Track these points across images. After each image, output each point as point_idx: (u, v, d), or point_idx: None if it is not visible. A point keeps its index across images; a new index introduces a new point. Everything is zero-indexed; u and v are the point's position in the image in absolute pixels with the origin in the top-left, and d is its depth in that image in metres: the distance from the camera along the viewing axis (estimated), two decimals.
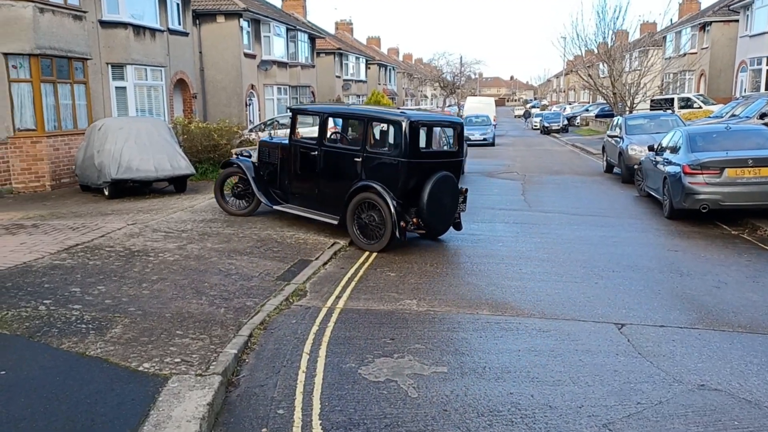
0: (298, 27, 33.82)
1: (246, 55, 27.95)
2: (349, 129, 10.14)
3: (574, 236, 10.08)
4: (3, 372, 4.31)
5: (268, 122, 23.05)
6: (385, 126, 9.35)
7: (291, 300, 6.54)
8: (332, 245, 8.92)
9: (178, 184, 14.13)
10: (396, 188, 8.28)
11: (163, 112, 20.40)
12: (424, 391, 4.52)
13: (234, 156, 10.82)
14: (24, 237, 8.55)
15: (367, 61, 49.74)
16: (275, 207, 9.80)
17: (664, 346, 5.47)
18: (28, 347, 4.79)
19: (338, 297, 6.69)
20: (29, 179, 15.04)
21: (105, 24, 18.08)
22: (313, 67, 37.00)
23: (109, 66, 18.30)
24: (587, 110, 50.55)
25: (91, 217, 10.45)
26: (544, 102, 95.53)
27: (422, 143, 9.04)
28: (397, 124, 8.48)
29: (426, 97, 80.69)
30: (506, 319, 6.10)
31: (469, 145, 23.73)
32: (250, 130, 21.47)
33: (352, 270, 7.79)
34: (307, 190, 9.45)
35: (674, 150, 12.02)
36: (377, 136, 9.66)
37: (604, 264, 8.32)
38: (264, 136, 12.21)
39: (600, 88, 31.52)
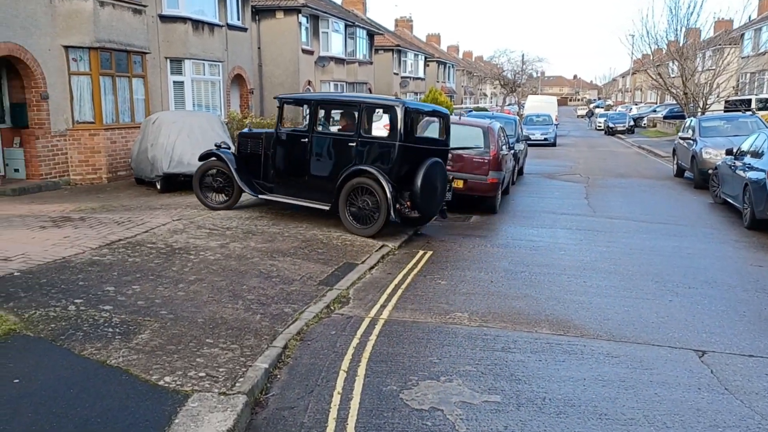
0: (357, 23, 33.53)
1: (304, 51, 27.83)
2: (342, 115, 10.16)
3: (644, 246, 9.26)
4: (17, 380, 4.00)
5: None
6: (380, 111, 9.49)
7: (332, 307, 6.08)
8: (380, 248, 8.44)
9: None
10: (391, 172, 8.45)
11: (220, 107, 20.42)
12: (474, 424, 3.96)
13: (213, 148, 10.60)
14: (69, 230, 8.42)
15: (425, 58, 49.09)
16: (260, 196, 9.73)
17: (756, 382, 4.72)
18: (49, 352, 4.49)
19: (383, 306, 6.19)
20: (86, 171, 15.19)
21: (164, 18, 18.17)
22: (371, 63, 36.67)
23: (168, 60, 18.39)
24: (655, 111, 48.38)
25: (140, 211, 10.30)
26: (609, 102, 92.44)
27: (416, 129, 9.20)
28: (392, 110, 8.66)
29: (485, 95, 79.35)
30: (569, 341, 5.46)
31: (530, 145, 22.86)
32: None
33: (400, 276, 7.28)
34: (296, 178, 9.41)
35: (757, 154, 10.99)
36: (372, 122, 9.77)
37: (679, 279, 7.52)
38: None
39: (670, 88, 29.95)
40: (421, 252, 8.51)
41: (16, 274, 6.27)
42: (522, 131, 17.99)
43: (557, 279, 7.43)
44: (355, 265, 7.54)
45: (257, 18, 26.44)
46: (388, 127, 9.26)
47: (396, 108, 8.56)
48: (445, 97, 30.24)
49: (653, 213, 12.37)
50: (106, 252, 7.33)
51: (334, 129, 10.04)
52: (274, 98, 11.53)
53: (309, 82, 28.58)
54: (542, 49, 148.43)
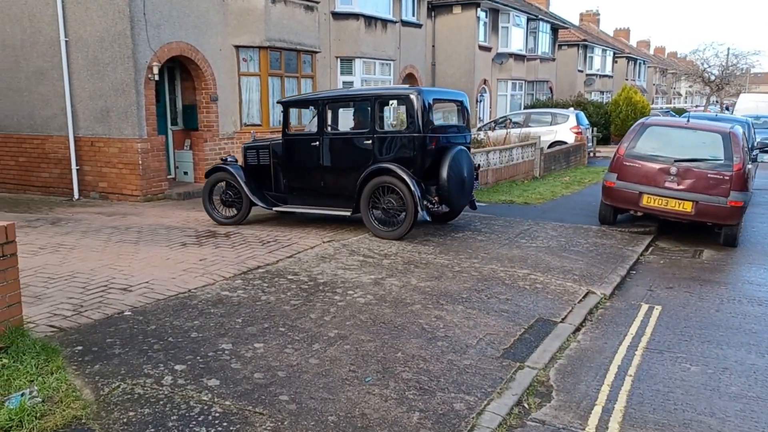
0: (540, 17, 30.79)
1: (481, 47, 25.86)
2: (355, 112, 9.31)
3: None
4: None
5: (500, 120, 20.62)
6: (395, 103, 8.54)
7: (527, 405, 4.07)
8: (585, 296, 6.24)
9: None
10: (413, 166, 7.87)
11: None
12: None
13: (220, 162, 9.81)
14: (208, 250, 7.29)
15: (614, 54, 44.58)
16: (274, 209, 9.01)
17: None
18: None
19: (606, 410, 4.04)
20: None
21: (337, 15, 17.27)
22: (553, 60, 33.63)
23: (338, 60, 17.46)
24: None
25: (290, 227, 9.05)
26: None
27: (435, 118, 8.39)
28: (407, 99, 7.99)
29: (679, 94, 71.37)
30: None
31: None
32: (480, 129, 19.26)
33: (622, 349, 5.04)
34: (310, 184, 8.74)
35: None
36: (387, 116, 9.08)
37: None
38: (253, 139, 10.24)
39: None
40: (644, 306, 6.14)
41: (126, 313, 5.08)
42: (755, 137, 14.39)
43: None
44: (552, 323, 5.44)
45: (432, 14, 24.98)
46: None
47: (411, 96, 7.93)
48: (641, 96, 26.49)
49: None
50: (238, 284, 5.98)
51: (348, 128, 9.15)
52: (278, 102, 10.14)
53: (485, 81, 26.54)
54: (749, 44, 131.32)
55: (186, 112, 14.30)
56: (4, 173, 14.04)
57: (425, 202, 7.77)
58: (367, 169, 8.01)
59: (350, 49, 17.50)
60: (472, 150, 11.76)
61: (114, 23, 11.93)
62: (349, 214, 8.30)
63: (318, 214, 8.85)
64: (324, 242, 7.81)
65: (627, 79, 46.23)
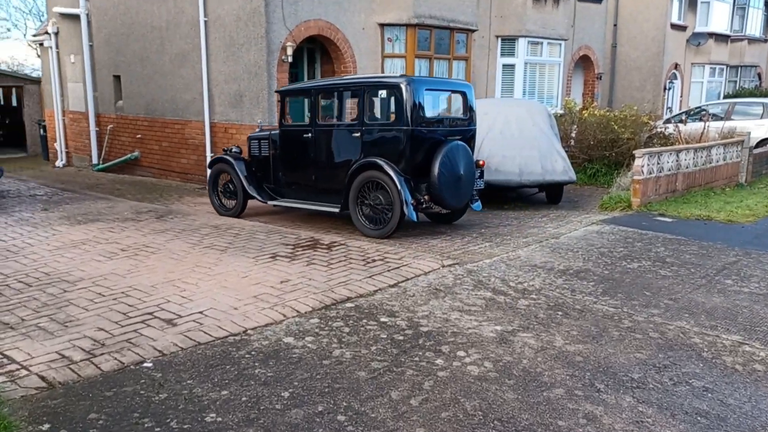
0: None
1: (673, 26, 22.11)
2: (345, 103, 8.66)
3: None
4: None
5: (694, 112, 17.15)
6: (384, 93, 7.95)
7: None
8: None
9: (551, 193, 10.26)
10: (402, 162, 7.31)
11: (556, 94, 16.71)
12: None
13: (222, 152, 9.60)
14: (296, 268, 5.87)
15: None
16: (269, 202, 8.70)
17: None
18: None
19: None
20: None
21: None
22: (765, 41, 28.29)
23: (499, 39, 15.39)
24: None
25: (408, 240, 7.40)
26: None
27: (428, 109, 7.79)
28: (395, 89, 7.41)
29: None
30: None
31: None
32: (667, 121, 16.06)
33: None
34: (303, 178, 8.41)
35: None
36: (377, 107, 8.44)
37: None
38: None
39: None
40: None
41: (146, 365, 3.77)
42: None
43: None
44: None
45: None
46: None
47: (400, 86, 7.34)
48: None
49: None
50: (311, 326, 4.45)
51: (341, 116, 8.57)
52: (276, 92, 9.38)
53: (676, 66, 22.72)
54: None
55: None
56: (150, 158, 14.00)
57: (413, 201, 7.16)
58: (355, 163, 7.52)
59: (513, 27, 15.35)
60: (660, 146, 9.41)
61: (249, 0, 11.06)
62: (337, 210, 7.79)
63: (310, 210, 8.43)
64: (444, 266, 6.03)
65: None
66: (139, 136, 14.21)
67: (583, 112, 13.60)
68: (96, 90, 15.31)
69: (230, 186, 8.96)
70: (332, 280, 5.49)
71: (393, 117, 7.55)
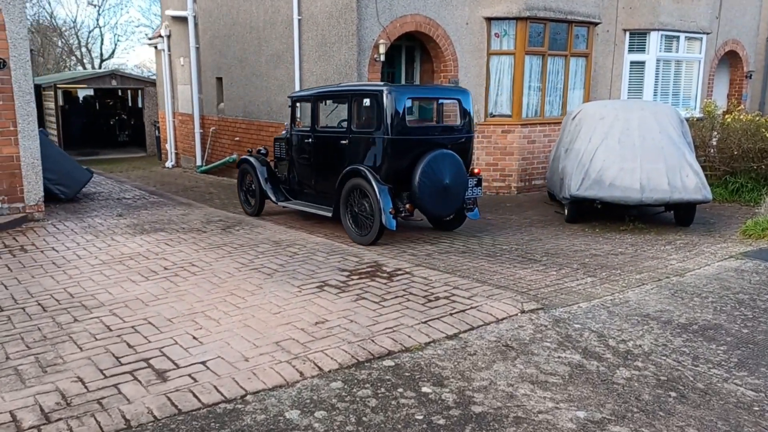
0: None
1: None
2: (337, 110, 8.95)
3: None
4: None
5: None
6: (368, 101, 7.61)
7: None
8: None
9: (680, 213, 8.56)
10: (382, 170, 7.26)
11: (694, 96, 14.55)
12: None
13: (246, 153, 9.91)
14: (343, 303, 4.91)
15: None
16: (279, 203, 8.88)
17: None
18: None
19: None
20: (493, 177, 11.92)
21: None
22: None
23: (627, 33, 13.56)
24: None
25: (491, 268, 6.20)
26: None
27: (413, 117, 7.92)
28: (376, 97, 7.29)
29: None
30: None
31: None
32: None
33: None
34: (307, 181, 8.59)
35: None
36: (363, 114, 7.96)
37: None
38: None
39: None
40: None
41: None
42: None
43: None
44: None
45: None
46: None
47: (380, 94, 7.18)
48: None
49: None
50: (328, 393, 3.47)
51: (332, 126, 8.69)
52: (288, 97, 9.30)
53: None
54: None
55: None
56: None
57: (390, 210, 7.01)
58: (344, 170, 7.58)
59: (645, 20, 13.46)
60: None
61: None
62: (330, 214, 7.87)
63: (309, 212, 8.53)
64: (524, 311, 4.79)
65: None
66: (237, 138, 14.01)
67: (727, 116, 11.53)
68: (201, 92, 15.36)
69: (253, 186, 9.27)
70: (378, 324, 4.47)
71: (375, 125, 7.39)
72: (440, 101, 8.53)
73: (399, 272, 5.77)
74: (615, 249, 7.19)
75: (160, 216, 8.55)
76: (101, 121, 23.86)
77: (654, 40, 13.62)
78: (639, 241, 7.63)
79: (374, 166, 7.32)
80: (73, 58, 41.16)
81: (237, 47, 13.54)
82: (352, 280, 5.51)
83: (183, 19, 15.40)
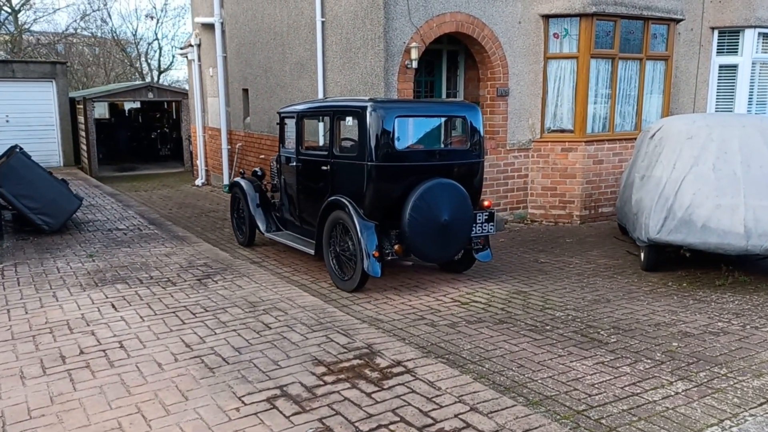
0: None
1: None
2: (322, 129, 7.77)
3: None
4: None
5: None
6: (350, 119, 6.40)
7: None
8: None
9: None
10: (366, 203, 5.98)
11: None
12: None
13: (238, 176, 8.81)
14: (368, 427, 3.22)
15: None
16: (266, 234, 7.84)
17: None
18: None
19: None
20: (551, 203, 10.00)
21: None
22: None
23: (715, 32, 11.36)
24: None
25: (549, 353, 4.42)
26: None
27: (403, 140, 6.41)
28: (358, 114, 6.10)
29: None
30: None
31: None
32: None
33: None
34: (293, 210, 7.55)
35: None
36: (345, 135, 6.88)
37: None
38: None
39: None
40: None
41: None
42: None
43: None
44: None
45: None
46: None
47: (363, 112, 5.99)
48: None
49: None
50: None
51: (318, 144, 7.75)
52: (277, 113, 8.04)
53: None
54: None
55: None
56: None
57: (374, 252, 5.77)
58: (325, 201, 6.47)
59: (738, 15, 11.23)
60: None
61: None
62: (313, 252, 6.73)
63: (293, 247, 7.29)
64: None
65: None
66: (262, 156, 12.62)
67: None
68: (228, 105, 14.11)
69: (242, 214, 8.31)
70: None
71: (358, 148, 6.19)
72: (442, 119, 7.06)
73: (397, 369, 4.01)
74: (713, 322, 5.21)
75: (137, 257, 7.13)
76: (143, 135, 23.20)
77: (749, 39, 11.37)
78: (746, 308, 5.59)
79: (357, 197, 6.11)
80: (134, 70, 41.43)
81: (262, 56, 12.18)
82: (325, 383, 3.80)
83: (211, 27, 14.21)
